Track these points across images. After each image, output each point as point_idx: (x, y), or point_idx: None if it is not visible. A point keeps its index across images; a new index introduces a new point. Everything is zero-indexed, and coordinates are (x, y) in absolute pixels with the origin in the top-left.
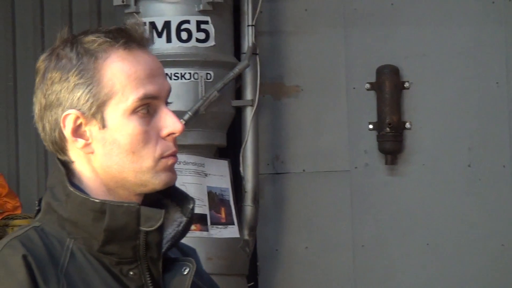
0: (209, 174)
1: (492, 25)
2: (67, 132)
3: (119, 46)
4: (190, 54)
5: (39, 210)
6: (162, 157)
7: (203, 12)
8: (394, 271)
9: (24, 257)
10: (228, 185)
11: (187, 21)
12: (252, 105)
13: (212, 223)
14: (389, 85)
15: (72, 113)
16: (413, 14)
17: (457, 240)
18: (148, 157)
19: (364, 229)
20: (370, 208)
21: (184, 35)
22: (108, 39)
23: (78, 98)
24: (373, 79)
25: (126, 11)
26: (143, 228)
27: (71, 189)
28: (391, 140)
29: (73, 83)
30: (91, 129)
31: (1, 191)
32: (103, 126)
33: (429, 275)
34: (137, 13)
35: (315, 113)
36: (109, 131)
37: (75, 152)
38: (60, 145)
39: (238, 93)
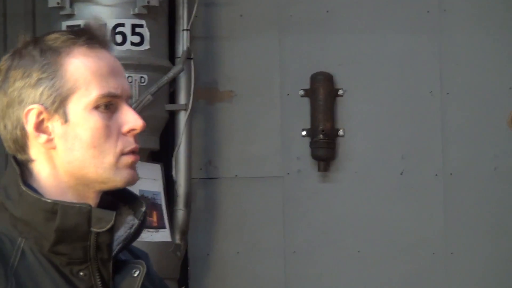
0: (142, 177)
1: (427, 34)
2: (30, 127)
3: (82, 43)
4: (125, 57)
5: None
6: (123, 153)
7: (138, 16)
8: (325, 277)
9: None
10: (160, 189)
11: (122, 24)
12: (185, 110)
13: (144, 227)
14: (323, 92)
15: (34, 108)
16: (348, 21)
17: (388, 248)
18: (109, 152)
19: (296, 235)
20: (302, 215)
21: (118, 38)
22: (71, 36)
23: (41, 93)
24: (307, 85)
25: (61, 13)
26: (94, 229)
27: (24, 188)
28: (324, 147)
29: (36, 78)
30: (54, 124)
31: None
32: (65, 120)
33: (360, 282)
34: (72, 15)
35: (249, 118)
36: (71, 126)
37: (36, 150)
38: (21, 143)
39: (172, 97)
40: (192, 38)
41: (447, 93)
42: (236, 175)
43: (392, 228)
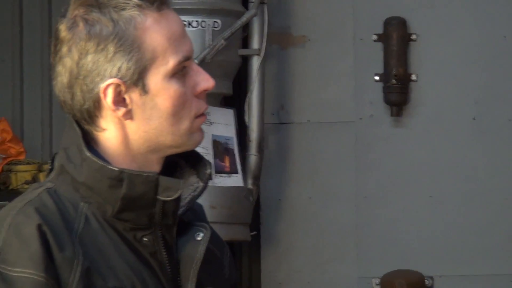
0: (215, 122)
1: None
2: (108, 102)
3: (153, 9)
4: (198, 2)
5: (51, 170)
6: (196, 116)
7: None
8: (396, 223)
9: (39, 227)
10: (233, 134)
11: None
12: (258, 54)
13: (217, 172)
14: (396, 37)
15: (113, 83)
16: None
17: (460, 194)
18: (186, 118)
19: (368, 180)
20: (374, 160)
21: None
22: (141, 2)
23: (119, 67)
24: (380, 30)
25: None
26: (161, 198)
27: (88, 154)
28: (397, 92)
29: (112, 52)
30: (131, 96)
31: (5, 136)
32: (145, 92)
33: (432, 227)
34: None
35: (322, 63)
36: (150, 96)
37: (108, 120)
38: (92, 114)
39: (245, 42)
40: None
41: None
42: (309, 120)
43: (464, 173)
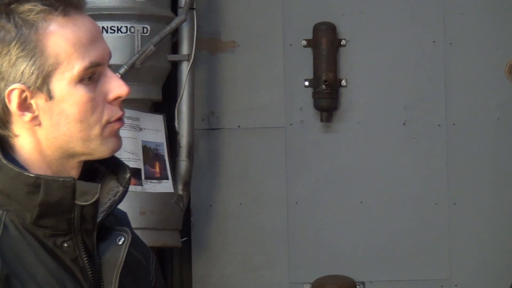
0: (144, 128)
1: None
2: (13, 106)
3: (59, 13)
4: (127, 7)
5: None
6: (109, 122)
7: None
8: (327, 228)
9: None
10: (163, 139)
11: None
12: (188, 60)
13: (146, 178)
14: (325, 42)
15: (17, 88)
16: None
17: (390, 198)
18: (95, 124)
19: (298, 185)
20: (304, 165)
21: None
22: (45, 7)
23: (22, 72)
24: (310, 36)
25: None
26: (78, 202)
27: (4, 162)
28: (327, 98)
29: (15, 56)
30: (37, 101)
31: None
32: (50, 97)
33: (363, 233)
34: None
35: (251, 69)
36: (56, 102)
37: (19, 126)
38: (3, 120)
39: (175, 48)
40: None
41: (450, 43)
42: (239, 126)
43: (394, 178)
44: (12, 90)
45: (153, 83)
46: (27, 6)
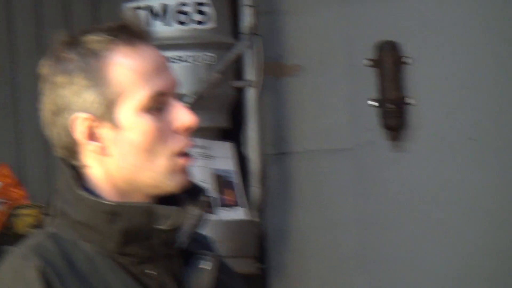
0: (214, 156)
1: None
2: (78, 135)
3: (123, 43)
4: (189, 36)
5: (48, 214)
6: (176, 154)
7: None
8: (402, 249)
9: (40, 269)
10: (234, 167)
11: (185, 3)
12: (253, 86)
13: (220, 206)
14: (389, 61)
15: (81, 116)
16: None
17: (465, 216)
18: (161, 154)
19: (370, 206)
20: (375, 185)
21: (182, 18)
22: (110, 37)
23: (87, 101)
24: (373, 55)
25: None
26: (158, 227)
27: (80, 192)
28: (394, 116)
29: (80, 86)
30: (103, 130)
31: (7, 182)
32: (115, 126)
33: (440, 250)
34: None
35: (317, 91)
36: (122, 131)
37: (87, 156)
38: (72, 150)
39: (239, 74)
40: (255, 13)
41: None
42: (308, 149)
43: (468, 195)
44: (77, 118)
45: (220, 110)
46: (92, 37)
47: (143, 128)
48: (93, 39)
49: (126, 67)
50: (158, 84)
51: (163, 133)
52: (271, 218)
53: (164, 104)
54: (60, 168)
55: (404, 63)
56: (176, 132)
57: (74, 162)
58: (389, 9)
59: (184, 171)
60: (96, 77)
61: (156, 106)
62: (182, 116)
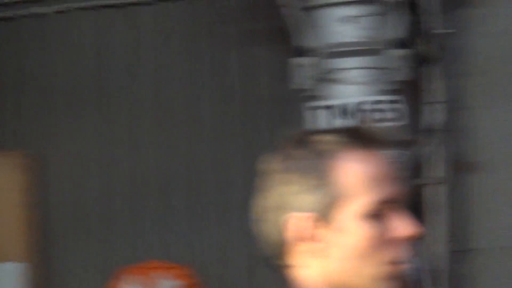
0: None
1: None
2: (293, 235)
3: (355, 146)
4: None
5: None
6: (390, 262)
7: (389, 92)
8: None
9: None
10: (421, 264)
11: (379, 101)
12: (442, 182)
13: None
14: None
15: (300, 216)
16: None
17: None
18: (375, 263)
19: None
20: None
21: (377, 115)
22: (343, 139)
23: (308, 200)
24: None
25: (305, 94)
26: None
27: None
28: None
29: (304, 185)
30: (322, 232)
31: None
32: (336, 228)
33: None
34: (315, 96)
35: (502, 187)
36: (341, 234)
37: (297, 256)
38: (281, 249)
39: (422, 170)
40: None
41: None
42: (496, 245)
43: None
44: (291, 217)
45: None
46: (324, 137)
47: (362, 234)
48: (325, 139)
49: (355, 171)
50: (384, 192)
51: (380, 241)
52: None
53: (388, 211)
54: (276, 274)
55: None
56: (393, 240)
57: (277, 262)
58: None
59: (395, 277)
60: (324, 177)
61: (377, 213)
62: (405, 226)
